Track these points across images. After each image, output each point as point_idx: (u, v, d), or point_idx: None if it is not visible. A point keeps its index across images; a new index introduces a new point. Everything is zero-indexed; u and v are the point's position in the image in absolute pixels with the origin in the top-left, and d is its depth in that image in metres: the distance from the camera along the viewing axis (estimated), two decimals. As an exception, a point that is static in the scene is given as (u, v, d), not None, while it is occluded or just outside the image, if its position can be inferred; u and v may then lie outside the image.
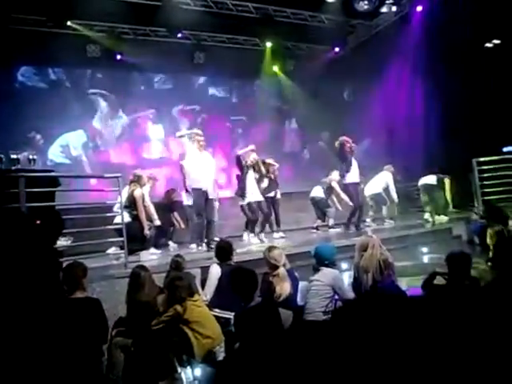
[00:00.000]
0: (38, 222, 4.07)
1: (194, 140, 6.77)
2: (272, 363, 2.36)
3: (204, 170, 6.77)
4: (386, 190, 8.90)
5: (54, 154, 9.56)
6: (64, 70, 9.71)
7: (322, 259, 3.93)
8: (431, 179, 8.79)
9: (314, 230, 8.61)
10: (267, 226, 8.06)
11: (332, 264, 3.96)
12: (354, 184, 8.23)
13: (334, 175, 8.60)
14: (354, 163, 8.19)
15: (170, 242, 7.76)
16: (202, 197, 6.71)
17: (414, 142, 10.58)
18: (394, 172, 9.02)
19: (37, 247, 3.42)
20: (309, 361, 2.32)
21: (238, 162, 7.58)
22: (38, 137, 9.20)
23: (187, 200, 7.51)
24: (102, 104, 10.12)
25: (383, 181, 8.93)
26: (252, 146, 7.70)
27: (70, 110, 9.52)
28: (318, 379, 2.26)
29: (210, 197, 6.99)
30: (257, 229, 7.76)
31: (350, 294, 3.76)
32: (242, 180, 7.57)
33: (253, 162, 7.62)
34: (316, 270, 3.91)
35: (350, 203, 8.33)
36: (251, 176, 7.58)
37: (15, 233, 3.49)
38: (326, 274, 3.83)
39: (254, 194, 7.54)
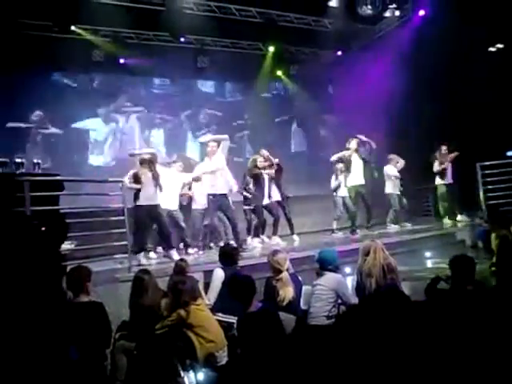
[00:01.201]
0: (43, 228, 4.08)
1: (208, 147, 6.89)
2: (274, 368, 2.36)
3: (216, 175, 6.79)
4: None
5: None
6: (69, 74, 9.75)
7: (326, 264, 3.91)
8: (438, 181, 8.78)
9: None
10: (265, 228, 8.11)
11: (335, 268, 3.94)
12: (355, 187, 8.10)
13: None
14: (357, 162, 8.03)
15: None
16: (215, 203, 6.74)
17: (418, 146, 10.58)
18: (394, 159, 8.85)
19: (41, 252, 3.44)
20: (312, 365, 2.32)
21: (254, 166, 7.69)
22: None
23: (195, 204, 7.60)
24: (104, 108, 10.17)
25: (394, 177, 8.80)
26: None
27: (75, 112, 9.64)
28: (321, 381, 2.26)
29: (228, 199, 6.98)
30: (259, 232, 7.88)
31: (354, 299, 3.75)
32: (257, 184, 7.67)
33: (265, 166, 7.74)
34: (319, 274, 3.91)
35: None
36: (266, 179, 7.75)
37: (20, 237, 3.51)
38: (329, 278, 3.82)
39: (264, 197, 7.72)
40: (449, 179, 8.69)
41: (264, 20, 9.99)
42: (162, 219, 6.42)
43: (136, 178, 6.26)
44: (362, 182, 8.11)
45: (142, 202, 6.18)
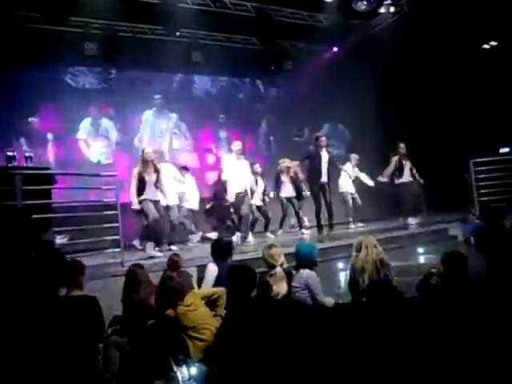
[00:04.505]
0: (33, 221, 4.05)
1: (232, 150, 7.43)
2: (267, 360, 2.37)
3: (241, 175, 7.26)
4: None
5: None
6: (61, 67, 9.64)
7: (301, 259, 3.85)
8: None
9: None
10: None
11: (312, 264, 3.86)
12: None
13: None
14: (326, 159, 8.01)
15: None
16: (241, 199, 7.27)
17: (410, 142, 10.59)
18: (357, 160, 9.01)
19: (33, 245, 3.41)
20: (304, 357, 2.32)
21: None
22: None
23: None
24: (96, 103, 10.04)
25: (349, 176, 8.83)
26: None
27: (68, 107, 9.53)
28: (313, 376, 2.27)
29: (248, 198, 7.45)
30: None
31: (327, 300, 3.71)
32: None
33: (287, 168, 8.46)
34: (296, 270, 3.85)
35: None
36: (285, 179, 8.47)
37: (10, 230, 3.48)
38: (301, 277, 3.75)
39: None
40: (406, 177, 8.64)
41: (259, 14, 9.93)
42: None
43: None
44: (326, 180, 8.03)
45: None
